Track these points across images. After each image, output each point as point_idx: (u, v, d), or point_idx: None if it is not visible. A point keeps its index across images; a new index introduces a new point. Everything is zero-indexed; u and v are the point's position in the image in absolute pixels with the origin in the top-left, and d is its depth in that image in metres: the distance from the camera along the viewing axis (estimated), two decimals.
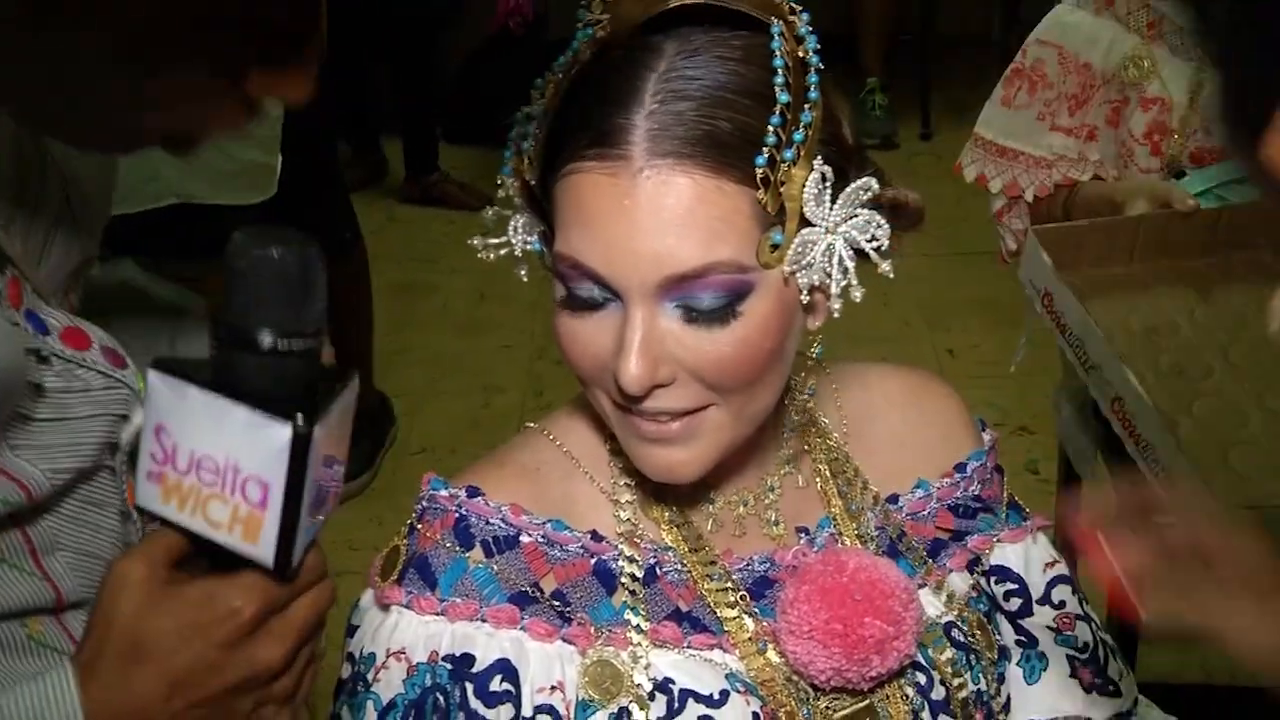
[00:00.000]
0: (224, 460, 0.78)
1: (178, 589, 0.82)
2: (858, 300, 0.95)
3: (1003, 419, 3.13)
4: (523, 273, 1.02)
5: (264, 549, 0.79)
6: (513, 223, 1.01)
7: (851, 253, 0.95)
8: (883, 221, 0.95)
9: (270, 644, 0.83)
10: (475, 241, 1.02)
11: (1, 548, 0.89)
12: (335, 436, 0.82)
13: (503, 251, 1.02)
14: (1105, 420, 1.99)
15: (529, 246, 1.01)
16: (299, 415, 0.77)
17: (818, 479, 1.11)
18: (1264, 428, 1.64)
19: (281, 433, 0.77)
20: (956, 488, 1.15)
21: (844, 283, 0.95)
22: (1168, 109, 1.93)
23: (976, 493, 1.16)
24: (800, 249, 0.93)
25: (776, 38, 0.92)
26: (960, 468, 1.16)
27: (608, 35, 0.94)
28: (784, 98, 0.90)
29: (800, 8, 0.95)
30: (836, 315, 0.98)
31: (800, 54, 0.93)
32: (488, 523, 1.03)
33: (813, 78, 0.92)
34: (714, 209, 0.90)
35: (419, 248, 4.39)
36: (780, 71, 0.91)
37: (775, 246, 0.92)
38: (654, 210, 0.89)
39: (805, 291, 0.95)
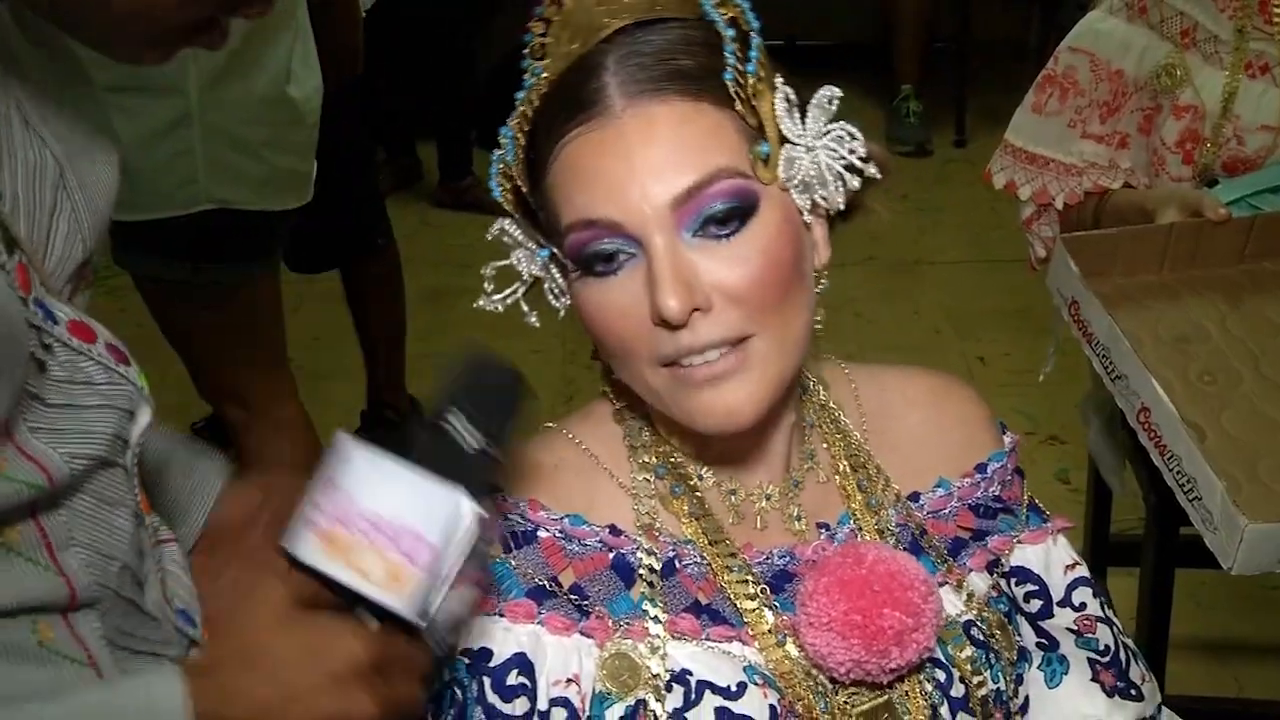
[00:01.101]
0: (394, 520, 0.85)
1: (309, 616, 0.87)
2: (840, 206, 1.01)
3: (1033, 428, 3.12)
4: (533, 319, 1.07)
5: (411, 605, 0.85)
6: (514, 259, 1.06)
7: (838, 169, 1.00)
8: (854, 131, 1.00)
9: (369, 696, 0.86)
10: (481, 303, 1.08)
11: (19, 541, 0.89)
12: (482, 557, 0.90)
13: (510, 300, 1.06)
14: (1133, 431, 1.99)
15: (536, 269, 1.05)
16: (483, 501, 0.86)
17: (838, 475, 1.12)
18: None
19: (462, 500, 0.86)
20: (977, 488, 1.15)
21: (833, 199, 1.00)
22: (1200, 117, 1.92)
23: (997, 493, 1.16)
24: (789, 165, 0.98)
25: (707, 5, 0.98)
26: (981, 468, 1.16)
27: (552, 74, 0.98)
28: (730, 32, 0.97)
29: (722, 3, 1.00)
30: (823, 261, 1.04)
31: (732, 13, 0.98)
32: (505, 518, 1.04)
33: (750, 16, 0.99)
34: (698, 126, 0.95)
35: (452, 252, 4.40)
36: (719, 20, 0.97)
37: (765, 160, 0.97)
38: (644, 142, 0.94)
39: (806, 211, 1.00)
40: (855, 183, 1.00)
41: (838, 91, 0.99)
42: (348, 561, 0.86)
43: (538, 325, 1.09)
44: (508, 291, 1.07)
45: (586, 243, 0.97)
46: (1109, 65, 1.98)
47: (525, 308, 1.07)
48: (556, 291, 1.05)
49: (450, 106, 4.66)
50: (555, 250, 1.01)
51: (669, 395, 1.00)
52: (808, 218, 1.01)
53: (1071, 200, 2.02)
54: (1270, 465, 1.58)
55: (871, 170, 1.00)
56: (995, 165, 2.09)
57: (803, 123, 0.99)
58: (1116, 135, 2.00)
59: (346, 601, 0.87)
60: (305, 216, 2.41)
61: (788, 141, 0.98)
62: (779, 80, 0.99)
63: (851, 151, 0.99)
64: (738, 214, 0.96)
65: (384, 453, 0.87)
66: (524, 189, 1.02)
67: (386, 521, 0.85)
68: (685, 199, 0.94)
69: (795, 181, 0.99)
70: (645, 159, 0.94)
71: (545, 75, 0.99)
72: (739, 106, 0.96)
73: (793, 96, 0.99)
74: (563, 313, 1.06)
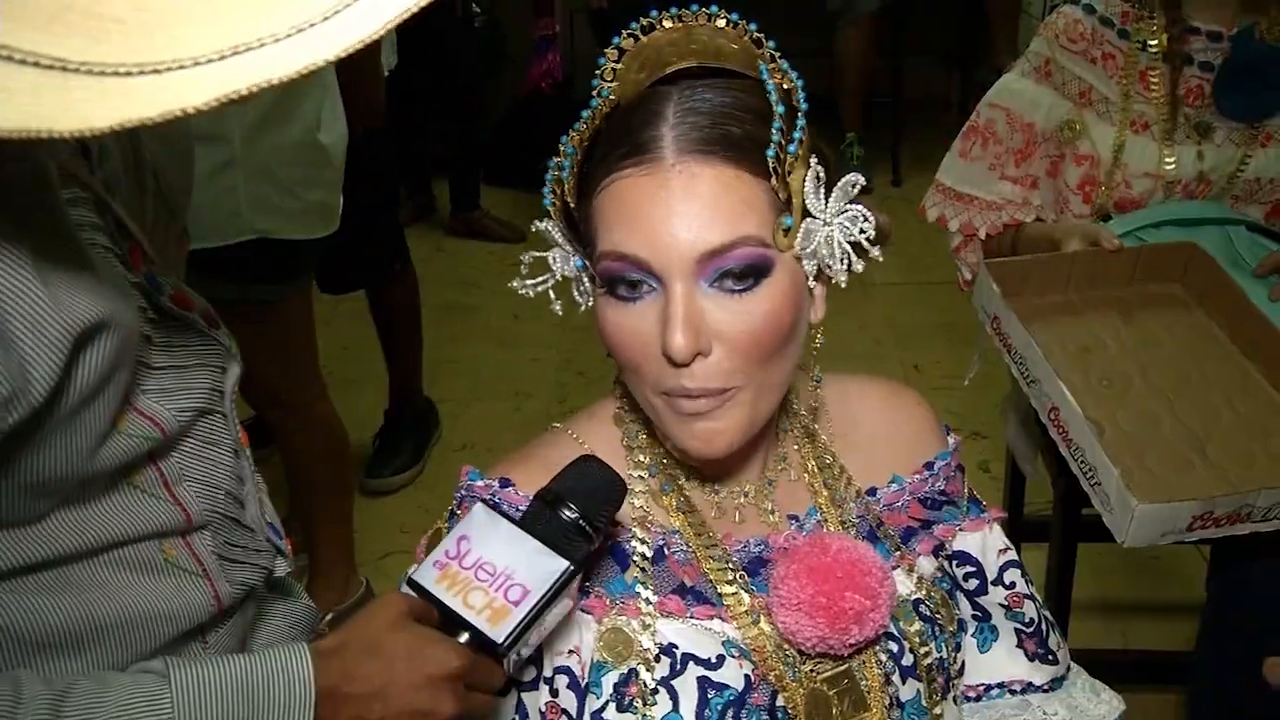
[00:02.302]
0: (503, 568, 0.92)
1: (419, 626, 0.92)
2: (843, 284, 0.99)
3: (960, 425, 3.10)
4: (556, 306, 1.03)
5: (501, 633, 0.90)
6: (550, 257, 1.03)
7: (848, 244, 0.97)
8: (869, 214, 0.97)
9: (450, 698, 0.90)
10: (515, 284, 1.04)
11: (141, 480, 0.93)
12: (561, 608, 0.94)
13: (540, 288, 1.03)
14: (1044, 427, 1.99)
15: (569, 271, 1.02)
16: (575, 560, 0.92)
17: (807, 474, 1.11)
18: (1173, 432, 1.65)
19: (559, 564, 0.92)
20: (925, 483, 1.15)
21: (845, 266, 0.97)
22: (1096, 164, 1.94)
23: (942, 487, 1.16)
24: (805, 236, 0.95)
25: (765, 71, 0.95)
26: (929, 465, 1.16)
27: (619, 96, 0.96)
28: (780, 109, 0.93)
29: (781, 54, 0.98)
30: (819, 319, 1.02)
31: (786, 85, 0.96)
32: (516, 509, 1.03)
33: (800, 96, 0.95)
34: (736, 194, 0.92)
35: (463, 274, 4.40)
36: (773, 92, 0.94)
37: (786, 230, 0.94)
38: (686, 198, 0.91)
39: (811, 276, 0.97)
40: (859, 258, 0.98)
41: (861, 180, 0.97)
42: (459, 593, 0.91)
43: (560, 313, 1.05)
44: (539, 280, 1.04)
45: (615, 272, 0.95)
46: (1022, 119, 1.99)
47: (553, 295, 1.03)
48: (583, 292, 1.02)
49: (462, 148, 4.65)
50: (588, 262, 0.99)
51: (662, 417, 0.99)
52: (812, 282, 0.98)
53: (992, 231, 2.03)
54: (1156, 455, 1.60)
55: (875, 252, 0.98)
56: (928, 202, 2.10)
57: (826, 200, 0.96)
58: (1029, 177, 2.01)
59: (450, 625, 0.92)
60: (334, 246, 2.40)
61: (809, 215, 0.95)
62: (814, 159, 0.95)
63: (862, 231, 0.97)
64: (752, 274, 0.93)
65: (505, 518, 0.94)
66: (571, 203, 0.99)
67: (497, 568, 0.92)
68: (710, 256, 0.92)
69: (808, 251, 0.96)
70: (683, 213, 0.91)
71: (612, 97, 0.96)
72: (774, 181, 0.93)
73: (822, 175, 0.96)
74: (583, 308, 1.03)
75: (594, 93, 0.97)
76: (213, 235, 2.18)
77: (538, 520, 0.94)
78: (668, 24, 0.97)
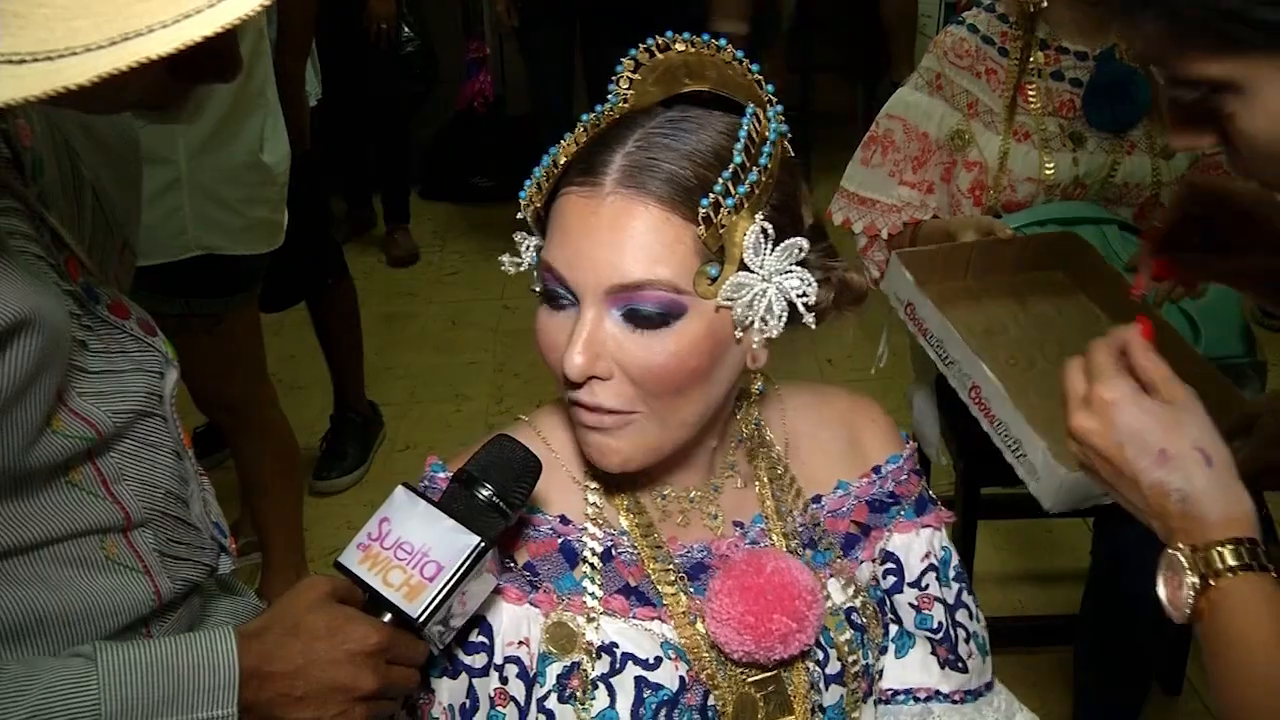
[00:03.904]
0: (420, 546, 0.92)
1: (339, 606, 0.92)
2: (767, 345, 0.96)
3: None
4: (537, 288, 0.99)
5: (417, 608, 0.90)
6: (524, 243, 1.01)
7: (784, 304, 0.94)
8: (814, 281, 0.94)
9: (370, 673, 0.91)
10: (503, 258, 1.02)
11: (80, 479, 0.93)
12: (482, 585, 0.94)
13: (523, 268, 1.01)
14: (948, 410, 2.03)
15: (531, 260, 1.00)
16: (486, 537, 0.92)
17: (756, 483, 1.08)
18: None
19: (471, 540, 0.91)
20: (873, 485, 1.12)
21: (771, 328, 0.94)
22: (984, 170, 1.99)
23: (891, 489, 1.12)
24: (735, 288, 0.92)
25: (748, 115, 0.93)
26: (877, 470, 1.12)
27: (628, 107, 0.96)
28: (738, 159, 0.90)
29: (776, 99, 0.95)
30: (759, 365, 0.97)
31: (765, 133, 0.93)
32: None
33: (766, 148, 0.92)
34: (660, 236, 0.90)
35: (403, 284, 4.36)
36: (742, 139, 0.91)
37: (712, 280, 0.91)
38: (612, 229, 0.90)
39: (739, 328, 0.94)
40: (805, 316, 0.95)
41: (804, 244, 0.94)
42: (379, 573, 0.91)
43: (528, 284, 1.01)
44: (520, 260, 1.01)
45: (548, 281, 0.94)
46: (917, 128, 2.03)
47: (535, 274, 0.99)
48: (533, 281, 1.00)
49: (392, 168, 4.60)
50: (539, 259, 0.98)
51: (575, 423, 0.98)
52: (739, 333, 0.94)
53: (894, 231, 2.06)
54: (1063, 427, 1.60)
55: (809, 319, 0.95)
56: (834, 206, 2.12)
57: (767, 255, 0.92)
58: (925, 182, 2.04)
59: (376, 604, 0.92)
60: (275, 260, 2.38)
61: (745, 269, 0.92)
62: (760, 215, 0.91)
63: (802, 295, 0.94)
64: (661, 316, 0.91)
65: (423, 500, 0.94)
66: (537, 203, 0.96)
67: (414, 547, 0.92)
68: (619, 290, 0.90)
69: (736, 301, 0.92)
70: (606, 243, 0.90)
71: (625, 104, 0.96)
72: (702, 232, 0.89)
73: (770, 231, 0.92)
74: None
75: (608, 95, 0.97)
76: (160, 252, 2.16)
77: (455, 500, 0.94)
78: (679, 45, 0.96)
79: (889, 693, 1.12)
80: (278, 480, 2.49)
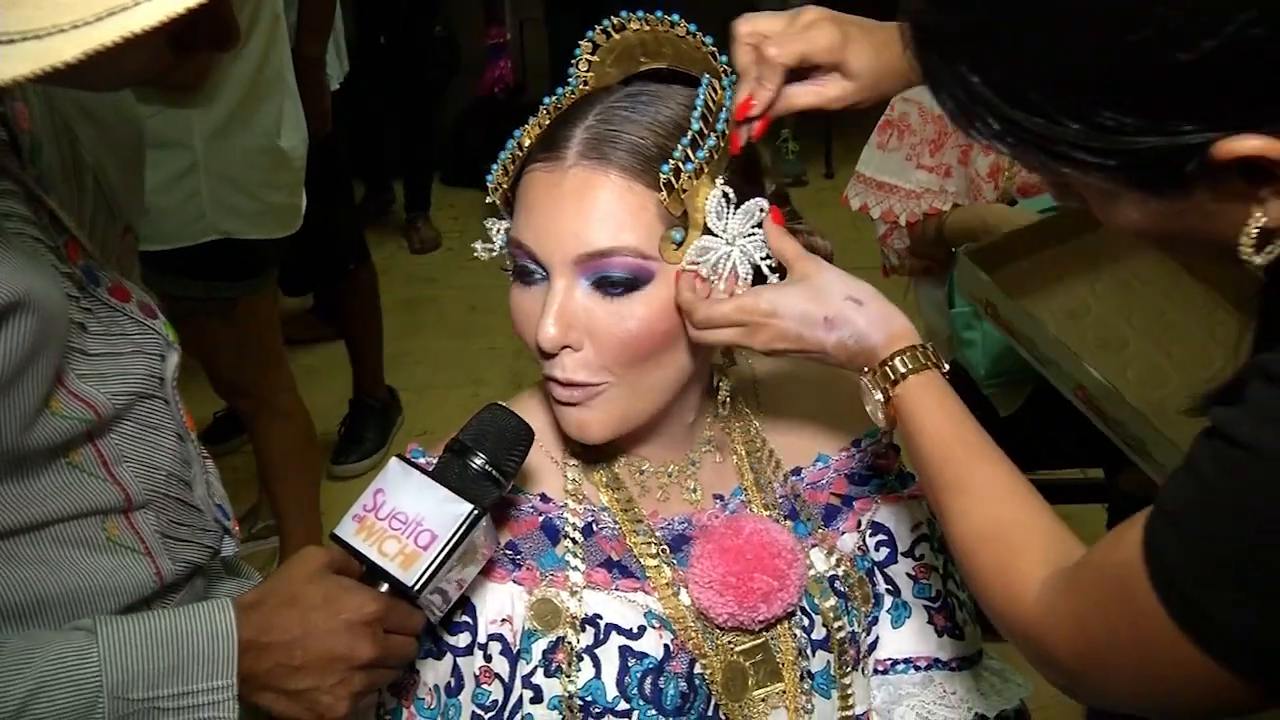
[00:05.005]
0: (414, 516, 0.92)
1: (336, 576, 0.93)
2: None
3: None
4: (508, 267, 1.01)
5: (412, 576, 0.91)
6: (495, 228, 1.03)
7: (749, 266, 0.96)
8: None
9: (367, 642, 0.91)
10: (476, 245, 1.04)
11: (80, 460, 0.93)
12: (477, 554, 0.94)
13: (495, 252, 1.03)
14: (966, 391, 1.99)
15: (502, 242, 1.02)
16: (479, 505, 0.92)
17: (734, 456, 1.09)
18: (1181, 383, 1.61)
19: (464, 508, 0.91)
20: (852, 459, 1.12)
21: (732, 289, 0.96)
22: (1001, 153, 1.96)
23: (869, 463, 1.13)
24: (700, 251, 0.95)
25: (704, 84, 0.95)
26: (856, 443, 1.13)
27: (589, 89, 0.97)
28: (696, 125, 0.93)
29: (731, 70, 0.97)
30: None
31: (722, 100, 0.95)
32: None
33: (724, 115, 0.94)
34: (624, 204, 0.92)
35: (423, 270, 4.38)
36: (699, 107, 0.94)
37: (677, 245, 0.94)
38: (576, 200, 0.92)
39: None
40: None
41: (764, 204, 0.96)
42: (374, 543, 0.92)
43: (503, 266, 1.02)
44: (493, 245, 1.03)
45: (518, 257, 0.96)
46: (932, 111, 2.00)
47: (506, 254, 1.02)
48: (506, 268, 1.02)
49: (416, 153, 4.60)
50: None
51: (551, 400, 1.00)
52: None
53: (911, 219, 2.04)
54: (1174, 409, 1.51)
55: (774, 279, 0.97)
56: (850, 191, 2.11)
57: (730, 219, 0.95)
58: (943, 166, 2.02)
59: (373, 575, 0.93)
60: (291, 250, 2.39)
61: (710, 233, 0.95)
62: (721, 180, 0.95)
63: (765, 258, 0.97)
64: (629, 281, 0.93)
65: (417, 471, 0.94)
66: (504, 184, 0.99)
67: (409, 517, 0.92)
68: (587, 259, 0.92)
69: (700, 264, 0.95)
70: (569, 215, 0.92)
71: (586, 86, 0.98)
72: (664, 197, 0.92)
73: (731, 195, 0.95)
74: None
75: (567, 79, 0.98)
76: (178, 237, 2.17)
77: (448, 470, 0.95)
78: (634, 25, 0.98)
79: (888, 663, 1.12)
80: (295, 464, 2.51)
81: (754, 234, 0.96)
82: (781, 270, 0.98)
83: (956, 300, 1.96)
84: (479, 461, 0.94)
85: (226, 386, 2.49)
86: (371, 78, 3.90)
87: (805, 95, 0.95)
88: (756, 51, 0.95)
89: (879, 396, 0.93)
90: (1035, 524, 0.86)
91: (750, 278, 0.97)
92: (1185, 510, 0.69)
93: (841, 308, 0.93)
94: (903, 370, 0.91)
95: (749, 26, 0.95)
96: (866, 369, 0.94)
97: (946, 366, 0.94)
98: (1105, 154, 0.66)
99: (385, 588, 0.92)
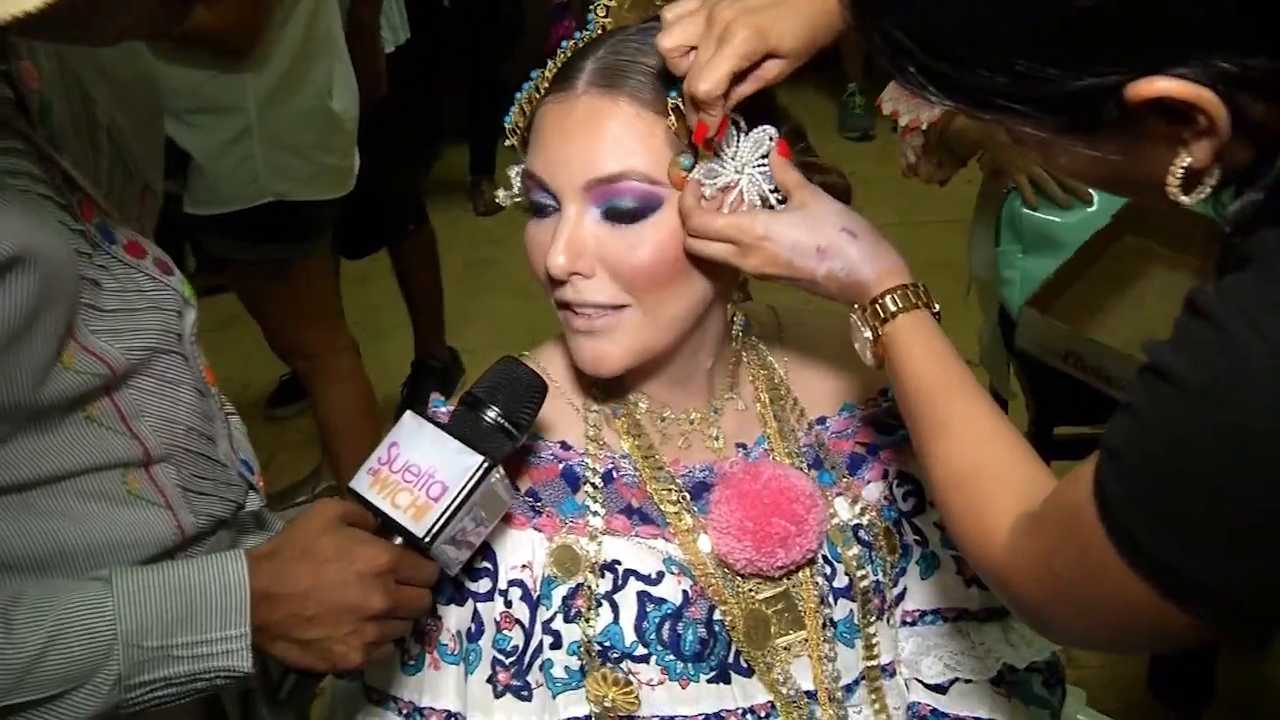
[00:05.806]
0: (426, 468, 0.92)
1: (349, 529, 0.93)
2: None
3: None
4: (521, 201, 1.02)
5: (423, 527, 0.92)
6: (514, 171, 1.03)
7: (756, 198, 0.96)
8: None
9: (381, 593, 0.92)
10: (499, 192, 1.05)
11: (98, 414, 0.95)
12: (494, 506, 0.95)
13: (515, 197, 1.03)
14: (1017, 352, 1.98)
15: (518, 184, 1.02)
16: (490, 457, 0.93)
17: (758, 404, 1.09)
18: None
19: (475, 459, 0.92)
20: (878, 407, 1.11)
21: (737, 210, 0.95)
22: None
23: (896, 411, 1.09)
24: (708, 173, 0.94)
25: None
26: (884, 392, 1.11)
27: (604, 31, 0.98)
28: None
29: None
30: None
31: None
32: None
33: None
34: (631, 130, 0.93)
35: (487, 231, 4.41)
36: None
37: (686, 170, 0.94)
38: (585, 127, 0.93)
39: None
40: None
41: (773, 132, 0.96)
42: (388, 495, 0.93)
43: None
44: (513, 190, 1.03)
45: (531, 190, 0.97)
46: None
47: (517, 193, 1.03)
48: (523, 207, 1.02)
49: (484, 113, 4.59)
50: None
51: (565, 330, 1.00)
52: None
53: (932, 120, 2.03)
54: None
55: (780, 209, 0.95)
56: (886, 95, 2.09)
57: (738, 145, 0.95)
58: None
59: (386, 527, 0.93)
60: (349, 212, 2.41)
61: (719, 160, 0.95)
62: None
63: (774, 191, 0.96)
64: (639, 208, 0.93)
65: (431, 423, 0.95)
66: (521, 125, 1.00)
67: (421, 469, 0.92)
68: (596, 185, 0.93)
69: (709, 189, 0.95)
70: (579, 142, 0.93)
71: (600, 31, 0.98)
72: (672, 122, 0.92)
73: (741, 124, 0.95)
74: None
75: (586, 23, 0.99)
76: (233, 200, 2.22)
77: (461, 422, 0.96)
78: None
79: (916, 613, 1.12)
80: (356, 425, 2.55)
81: (762, 164, 0.96)
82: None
83: (1002, 238, 1.97)
84: (492, 414, 0.95)
85: (285, 348, 2.53)
86: (435, 41, 3.90)
87: (748, 86, 0.93)
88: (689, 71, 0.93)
89: (868, 334, 0.93)
90: (1013, 466, 0.85)
91: (758, 207, 0.96)
92: (1123, 444, 0.69)
93: (835, 238, 0.93)
94: (893, 308, 0.91)
95: (671, 41, 0.91)
96: (856, 305, 0.94)
97: (937, 307, 0.93)
98: (1026, 101, 0.68)
99: (399, 540, 0.93)
